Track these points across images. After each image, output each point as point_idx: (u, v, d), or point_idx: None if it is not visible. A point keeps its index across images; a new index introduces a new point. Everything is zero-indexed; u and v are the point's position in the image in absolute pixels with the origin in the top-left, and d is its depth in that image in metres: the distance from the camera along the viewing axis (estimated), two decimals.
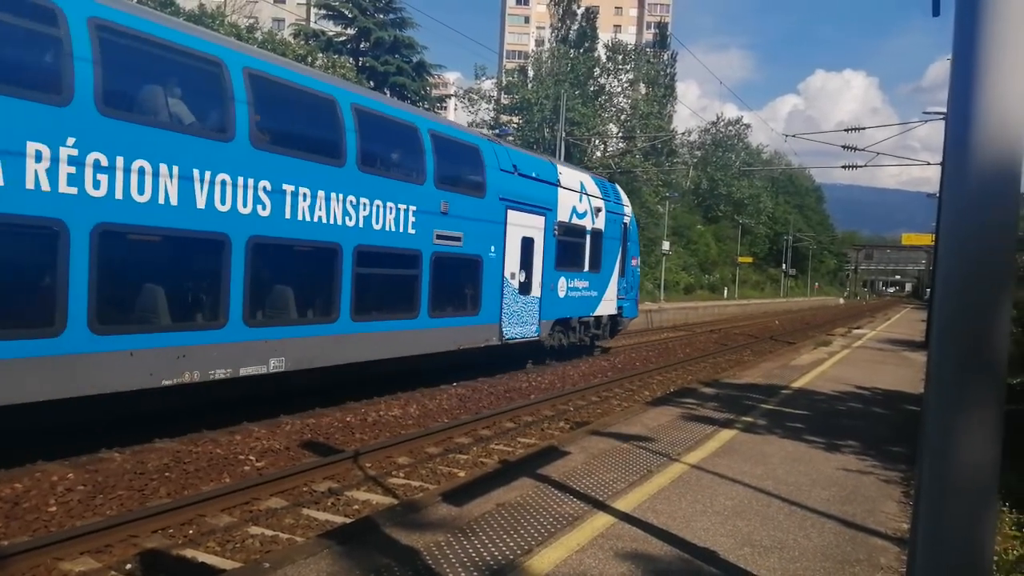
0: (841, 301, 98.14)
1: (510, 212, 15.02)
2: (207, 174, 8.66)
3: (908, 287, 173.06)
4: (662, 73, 62.69)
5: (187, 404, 9.24)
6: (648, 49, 66.55)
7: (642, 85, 57.65)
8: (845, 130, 32.28)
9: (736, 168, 69.33)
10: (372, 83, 38.65)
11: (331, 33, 42.11)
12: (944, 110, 27.98)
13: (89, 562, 5.55)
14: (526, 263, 15.71)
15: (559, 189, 17.06)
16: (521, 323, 15.73)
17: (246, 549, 6.00)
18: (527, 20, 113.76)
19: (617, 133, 52.91)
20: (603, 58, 54.29)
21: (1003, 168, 1.90)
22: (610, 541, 5.28)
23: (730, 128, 75.71)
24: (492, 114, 52.84)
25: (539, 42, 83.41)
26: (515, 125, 50.19)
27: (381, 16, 41.33)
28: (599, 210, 19.07)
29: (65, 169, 7.20)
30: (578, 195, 18.07)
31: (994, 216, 1.93)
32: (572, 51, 52.70)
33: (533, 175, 16.14)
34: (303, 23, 45.37)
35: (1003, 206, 1.92)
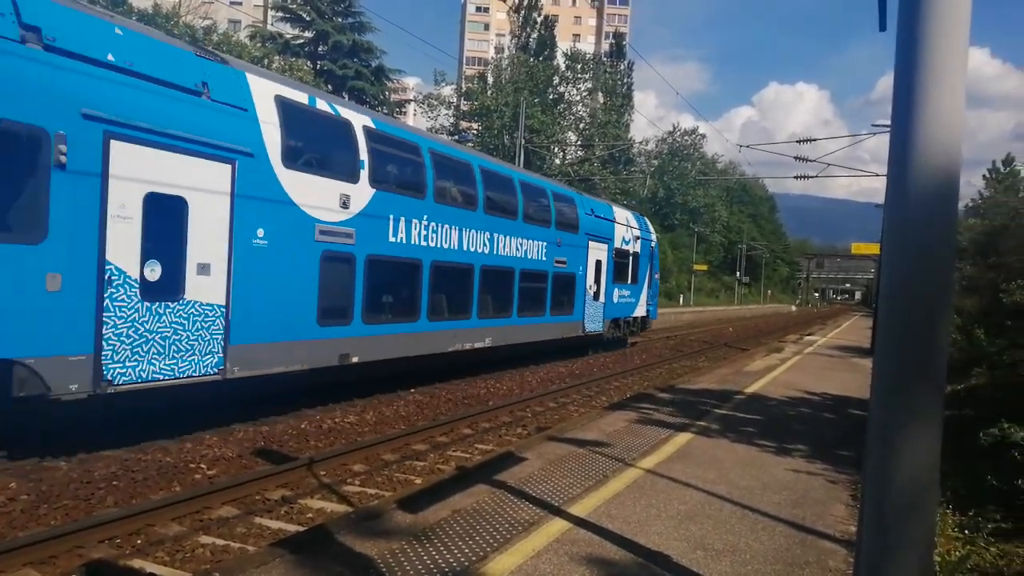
0: (793, 308, 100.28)
1: (590, 242, 21.10)
2: (450, 227, 14.58)
3: (858, 295, 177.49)
4: (620, 83, 63.47)
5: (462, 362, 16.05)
6: (606, 59, 67.28)
7: (600, 94, 58.30)
8: (797, 141, 33.08)
9: (692, 177, 70.46)
10: (330, 87, 38.31)
11: (288, 36, 41.66)
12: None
13: (32, 574, 5.37)
14: (596, 279, 21.65)
15: (615, 224, 23.27)
16: (594, 321, 21.82)
17: (196, 559, 5.87)
18: (487, 27, 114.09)
19: (576, 141, 53.35)
20: (562, 66, 54.74)
21: (943, 182, 1.97)
22: (565, 546, 5.30)
23: (686, 138, 77.03)
24: (452, 120, 52.82)
25: (499, 49, 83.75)
26: (475, 132, 50.26)
27: (339, 20, 41.05)
28: (637, 238, 25.39)
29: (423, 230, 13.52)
30: (625, 227, 24.29)
31: (934, 228, 2.00)
32: (531, 59, 53.02)
33: (601, 215, 22.22)
34: (260, 25, 44.77)
35: (943, 218, 1.99)
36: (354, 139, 11.93)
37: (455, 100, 54.35)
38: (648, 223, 28.01)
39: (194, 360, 9.04)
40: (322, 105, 11.58)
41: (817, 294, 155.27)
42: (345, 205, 11.53)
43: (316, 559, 4.80)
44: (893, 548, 2.24)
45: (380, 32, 44.26)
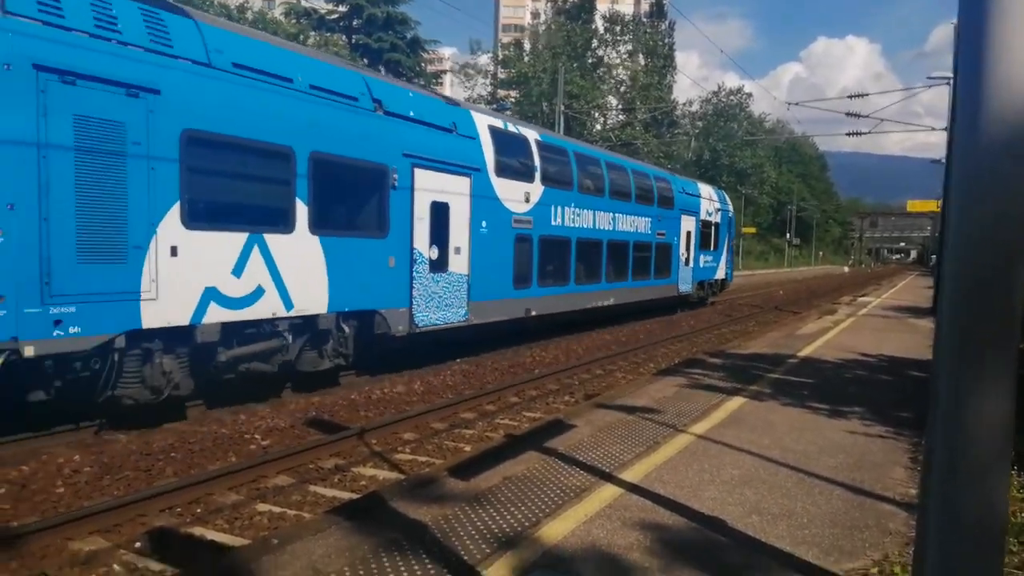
0: (846, 269, 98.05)
1: (682, 216, 24.97)
2: (587, 211, 18.51)
3: (913, 254, 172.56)
4: (661, 43, 62.09)
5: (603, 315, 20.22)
6: (646, 19, 65.84)
7: (641, 56, 57.16)
8: (848, 97, 32.05)
9: (738, 138, 68.84)
10: (366, 60, 38.33)
11: (323, 11, 41.72)
12: (949, 74, 27.70)
13: (98, 541, 5.59)
14: (687, 247, 25.50)
15: (700, 199, 27.15)
16: (685, 283, 25.87)
17: (254, 526, 6.04)
18: None
19: (617, 105, 52.54)
20: (601, 29, 53.75)
21: (1016, 128, 1.85)
22: (618, 511, 5.30)
23: (731, 98, 75.09)
24: (489, 89, 52.46)
25: (535, 15, 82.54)
26: (512, 100, 49.87)
27: None
28: (717, 210, 29.09)
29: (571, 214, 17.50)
30: (708, 201, 28.09)
31: (1008, 178, 1.88)
32: (569, 23, 52.16)
33: (690, 192, 26.17)
34: (294, 2, 44.92)
35: (1016, 168, 1.87)
36: (530, 150, 16.11)
37: (492, 69, 53.91)
38: (726, 196, 32.16)
39: (453, 311, 13.47)
40: (511, 128, 15.81)
41: (870, 254, 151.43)
42: (527, 200, 15.69)
43: (371, 525, 4.88)
44: (962, 511, 2.16)
45: (414, 3, 44.13)
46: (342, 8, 41.17)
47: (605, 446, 7.11)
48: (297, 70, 10.11)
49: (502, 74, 52.72)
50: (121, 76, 7.71)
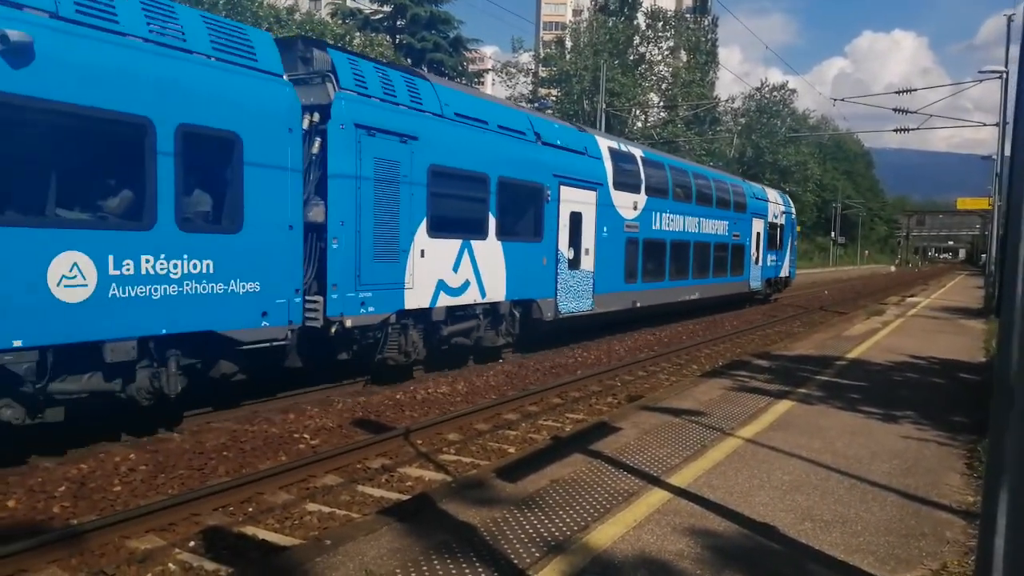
0: (892, 269, 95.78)
1: (753, 219, 27.54)
2: (679, 216, 21.13)
3: (962, 253, 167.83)
4: (703, 39, 61.31)
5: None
6: (688, 15, 65.11)
7: (683, 52, 56.57)
8: (896, 92, 31.30)
9: (782, 135, 67.64)
10: (410, 60, 38.60)
11: (368, 11, 42.12)
12: (1002, 68, 26.85)
13: (154, 540, 5.72)
14: (757, 247, 28.03)
15: (768, 203, 29.89)
16: (755, 281, 28.41)
17: (304, 526, 6.12)
18: None
19: (658, 102, 52.09)
20: (643, 26, 53.31)
21: None
22: (667, 517, 5.25)
23: (775, 94, 73.62)
24: (530, 87, 52.44)
25: (577, 12, 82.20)
26: (554, 98, 49.76)
27: None
28: (782, 212, 31.84)
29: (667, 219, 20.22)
30: (775, 204, 30.95)
31: None
32: (611, 20, 51.84)
33: (759, 197, 29.05)
34: (340, 3, 45.44)
35: None
36: (638, 165, 18.89)
37: (533, 67, 53.85)
38: (789, 200, 35.45)
39: (583, 302, 16.36)
40: (623, 147, 18.92)
41: (917, 253, 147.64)
42: (635, 208, 18.47)
43: (422, 527, 4.92)
44: None
45: (457, 2, 44.38)
46: (386, 8, 41.53)
47: (651, 449, 7.05)
48: (489, 114, 13.36)
49: (543, 72, 52.65)
50: (398, 128, 10.78)
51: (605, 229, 16.98)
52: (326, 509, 6.49)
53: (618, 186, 17.56)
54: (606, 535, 4.86)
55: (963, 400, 9.96)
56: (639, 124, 50.81)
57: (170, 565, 5.30)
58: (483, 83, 52.15)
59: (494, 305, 13.52)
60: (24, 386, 6.75)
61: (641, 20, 53.65)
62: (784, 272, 32.85)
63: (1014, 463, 2.83)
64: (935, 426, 8.41)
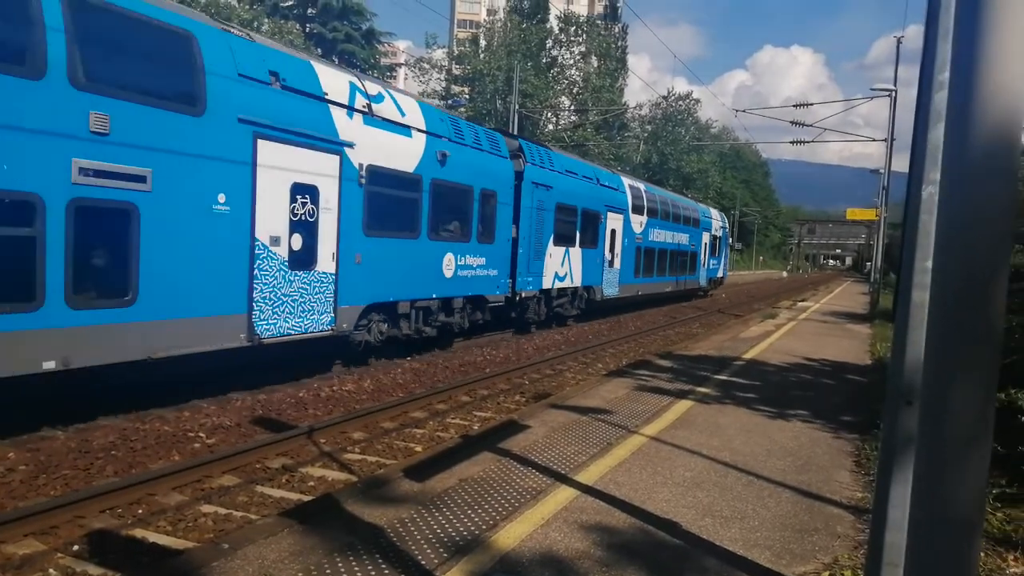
0: (784, 274, 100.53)
1: (703, 233, 35.89)
2: (662, 231, 30.01)
3: (849, 260, 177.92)
4: (613, 46, 62.61)
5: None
6: (599, 21, 66.27)
7: (594, 58, 57.54)
8: (793, 106, 32.85)
9: (686, 143, 69.91)
10: (320, 50, 37.64)
11: None
12: (891, 87, 28.59)
13: (34, 544, 5.32)
14: (704, 254, 36.32)
15: (711, 220, 38.75)
16: (703, 279, 36.80)
17: (199, 528, 5.84)
18: None
19: (569, 106, 52.78)
20: (555, 29, 53.91)
21: (1003, 137, 1.88)
22: (574, 514, 5.28)
23: (680, 103, 76.05)
24: (443, 84, 52.12)
25: (491, 11, 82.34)
26: (467, 96, 49.63)
27: None
28: (720, 227, 40.90)
29: (656, 233, 29.44)
30: (715, 220, 40.09)
31: (991, 187, 1.92)
32: (524, 21, 52.17)
33: (706, 216, 37.59)
34: None
35: (1002, 176, 1.91)
36: (643, 194, 27.05)
37: (447, 64, 53.55)
38: (724, 217, 45.87)
39: (614, 289, 24.39)
40: (635, 183, 27.18)
41: (808, 260, 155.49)
42: (641, 225, 26.34)
43: (325, 528, 4.76)
44: (942, 509, 2.19)
45: None
46: None
47: (560, 447, 7.10)
48: (578, 168, 21.72)
49: (456, 70, 52.43)
50: (545, 182, 18.51)
51: (626, 240, 24.98)
52: (223, 511, 6.21)
53: (633, 210, 25.70)
54: (514, 534, 4.84)
55: (851, 400, 10.51)
56: (551, 126, 51.34)
57: (51, 571, 4.95)
58: (395, 77, 51.46)
59: (575, 289, 21.35)
60: (432, 316, 14.30)
61: (554, 23, 54.23)
62: (720, 273, 42.50)
63: (903, 459, 2.96)
64: (826, 425, 8.82)
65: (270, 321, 10.03)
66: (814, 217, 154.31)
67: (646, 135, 68.45)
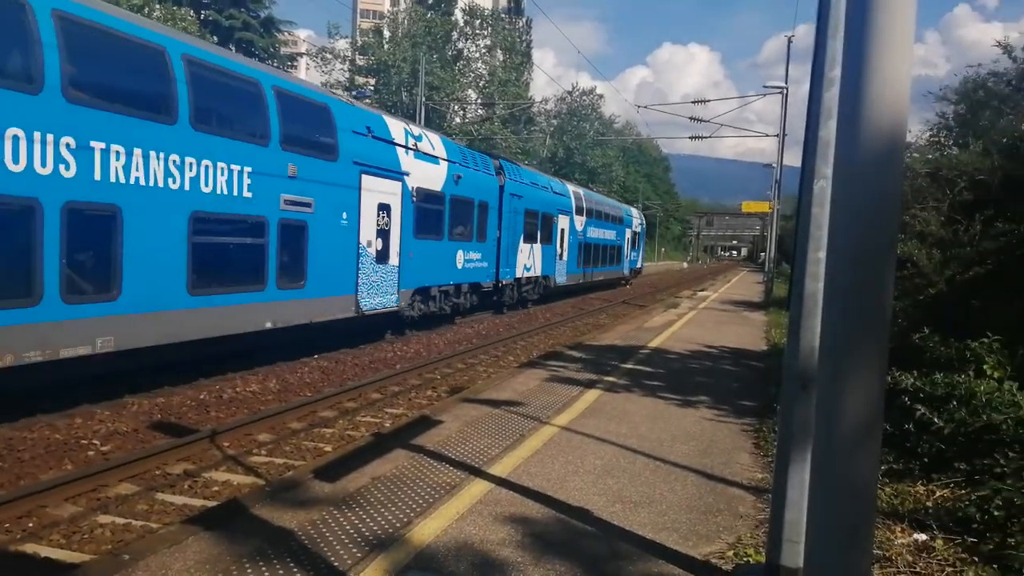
0: (685, 265, 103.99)
1: (626, 229, 43.00)
2: (596, 228, 36.61)
3: (744, 251, 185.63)
4: (519, 39, 62.95)
5: None
6: (504, 15, 66.47)
7: (499, 51, 57.69)
8: (692, 102, 34.00)
9: (590, 137, 71.12)
10: (216, 38, 36.18)
11: None
12: (782, 84, 29.96)
13: None
14: (627, 247, 42.55)
15: (632, 217, 45.67)
16: (625, 269, 43.68)
17: (96, 540, 5.55)
18: None
19: (476, 99, 52.76)
20: (460, 21, 53.72)
21: (890, 132, 2.01)
22: (489, 507, 5.31)
23: (584, 98, 77.35)
24: (347, 75, 51.08)
25: (395, 2, 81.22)
26: (371, 88, 48.84)
27: None
28: (639, 224, 47.69)
29: (592, 230, 35.97)
30: (635, 218, 46.95)
31: (881, 180, 2.04)
32: (429, 13, 51.74)
33: (629, 214, 45.18)
34: None
35: (890, 170, 2.03)
36: (582, 198, 32.49)
37: (350, 54, 52.50)
38: (642, 215, 54.55)
39: (564, 278, 30.35)
40: (578, 188, 33.79)
41: (706, 251, 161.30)
42: (581, 224, 31.52)
43: (233, 534, 4.60)
44: (837, 488, 2.31)
45: None
46: None
47: (473, 441, 7.12)
48: (541, 180, 27.26)
49: (360, 60, 51.46)
50: (518, 192, 23.52)
51: (571, 238, 30.11)
52: (121, 520, 5.92)
53: (576, 212, 30.91)
54: (429, 529, 4.83)
55: (750, 385, 10.99)
56: (457, 120, 51.18)
57: None
58: (296, 67, 50.02)
59: (536, 277, 26.28)
60: (448, 298, 19.08)
61: (459, 16, 54.04)
62: (639, 264, 50.58)
63: (801, 442, 3.12)
64: (726, 410, 9.20)
65: (366, 299, 14.75)
66: (712, 210, 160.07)
67: (552, 129, 69.28)
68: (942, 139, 16.89)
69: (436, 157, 17.89)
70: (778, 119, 32.14)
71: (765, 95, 29.75)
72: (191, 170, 9.98)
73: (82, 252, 8.58)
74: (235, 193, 10.85)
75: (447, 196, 18.30)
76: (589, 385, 10.31)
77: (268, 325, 11.70)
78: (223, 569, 4.13)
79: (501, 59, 57.20)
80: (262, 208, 11.37)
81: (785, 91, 30.07)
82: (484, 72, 54.64)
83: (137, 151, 9.11)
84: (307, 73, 58.76)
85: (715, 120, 34.97)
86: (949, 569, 4.39)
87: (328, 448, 8.21)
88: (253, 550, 4.39)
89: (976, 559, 4.47)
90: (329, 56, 50.17)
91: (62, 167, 8.11)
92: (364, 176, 14.29)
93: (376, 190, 14.74)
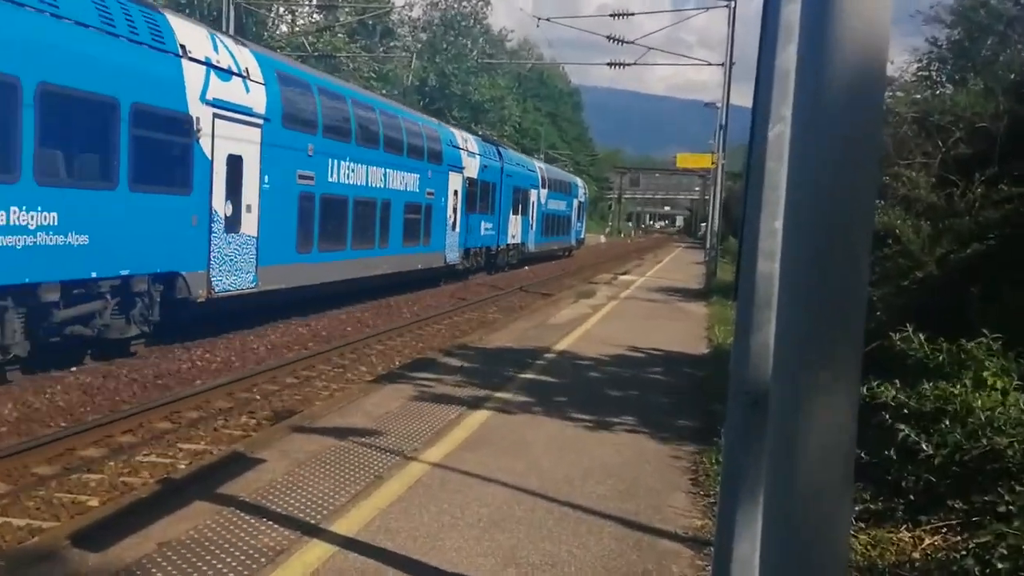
0: (602, 239, 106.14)
1: (573, 200, 65.92)
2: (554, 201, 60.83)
3: (679, 221, 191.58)
4: None
5: None
6: None
7: None
8: (610, 15, 34.57)
9: (474, 60, 71.32)
10: None
11: None
12: None
13: None
14: (575, 218, 66.88)
15: (580, 188, 70.84)
16: (573, 239, 66.73)
17: None
18: None
19: (311, 1, 51.84)
20: None
21: (868, 59, 2.06)
22: None
23: (464, 4, 77.42)
24: None
25: None
26: None
27: None
28: (585, 195, 75.05)
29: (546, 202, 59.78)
30: (582, 190, 72.87)
31: (856, 125, 2.09)
32: None
33: (577, 185, 70.16)
34: None
35: (868, 110, 2.09)
36: (544, 173, 54.49)
37: None
38: (586, 185, 78.46)
39: (456, 255, 40.79)
40: (540, 164, 57.92)
41: (630, 221, 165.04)
42: (543, 197, 52.09)
43: None
44: (801, 540, 2.38)
45: None
46: None
47: (309, 486, 7.03)
48: (523, 160, 51.33)
49: None
50: (510, 172, 43.58)
51: (538, 210, 50.40)
52: None
53: (541, 184, 50.89)
54: None
55: (686, 401, 11.38)
56: (284, 27, 50.18)
57: None
58: None
59: (518, 244, 45.15)
60: (480, 256, 40.82)
61: None
62: (582, 235, 70.91)
63: (751, 477, 3.22)
64: (656, 434, 9.48)
65: (448, 254, 32.74)
66: (638, 164, 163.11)
67: (420, 47, 68.98)
68: (933, 73, 17.84)
69: (473, 152, 35.88)
70: (724, 42, 33.26)
71: (708, 9, 30.70)
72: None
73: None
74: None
75: (477, 181, 36.35)
76: (474, 405, 10.38)
77: (387, 271, 28.19)
78: None
79: None
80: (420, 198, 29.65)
81: (733, 4, 31.11)
82: None
83: None
84: None
85: (641, 42, 35.75)
86: None
87: (94, 502, 7.94)
88: None
89: None
90: None
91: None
92: (452, 174, 32.53)
93: (454, 182, 32.95)
